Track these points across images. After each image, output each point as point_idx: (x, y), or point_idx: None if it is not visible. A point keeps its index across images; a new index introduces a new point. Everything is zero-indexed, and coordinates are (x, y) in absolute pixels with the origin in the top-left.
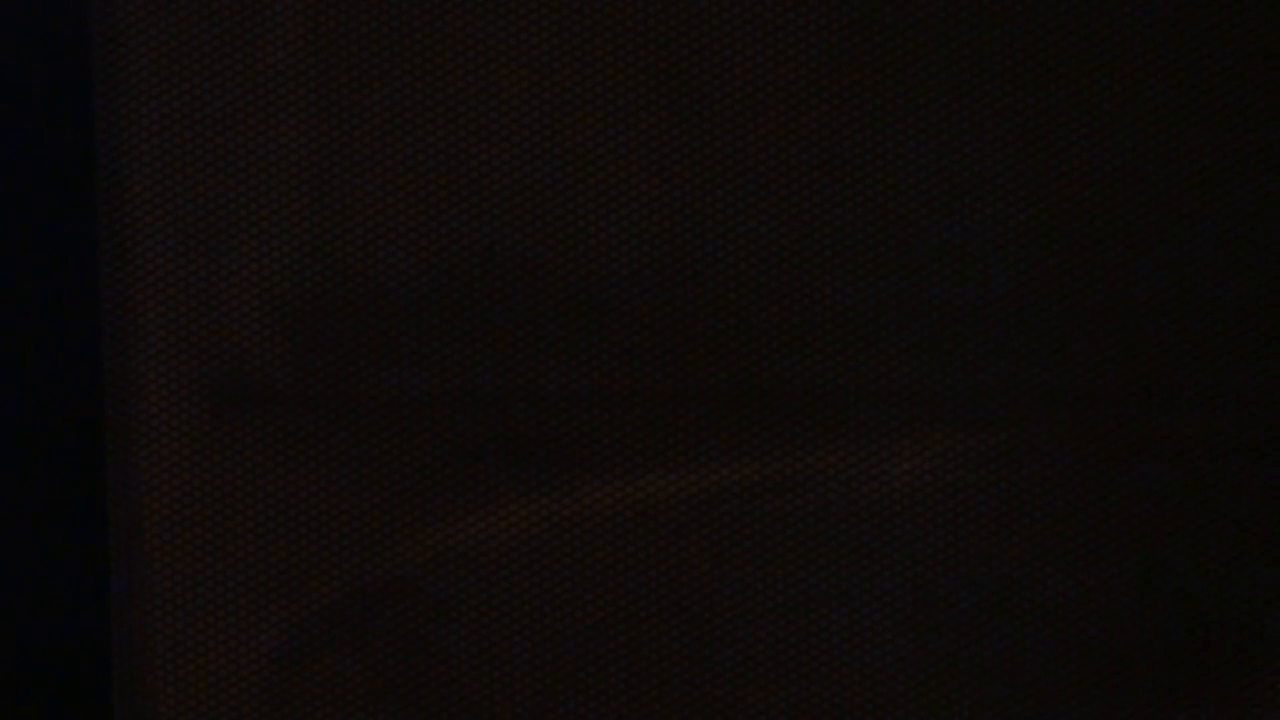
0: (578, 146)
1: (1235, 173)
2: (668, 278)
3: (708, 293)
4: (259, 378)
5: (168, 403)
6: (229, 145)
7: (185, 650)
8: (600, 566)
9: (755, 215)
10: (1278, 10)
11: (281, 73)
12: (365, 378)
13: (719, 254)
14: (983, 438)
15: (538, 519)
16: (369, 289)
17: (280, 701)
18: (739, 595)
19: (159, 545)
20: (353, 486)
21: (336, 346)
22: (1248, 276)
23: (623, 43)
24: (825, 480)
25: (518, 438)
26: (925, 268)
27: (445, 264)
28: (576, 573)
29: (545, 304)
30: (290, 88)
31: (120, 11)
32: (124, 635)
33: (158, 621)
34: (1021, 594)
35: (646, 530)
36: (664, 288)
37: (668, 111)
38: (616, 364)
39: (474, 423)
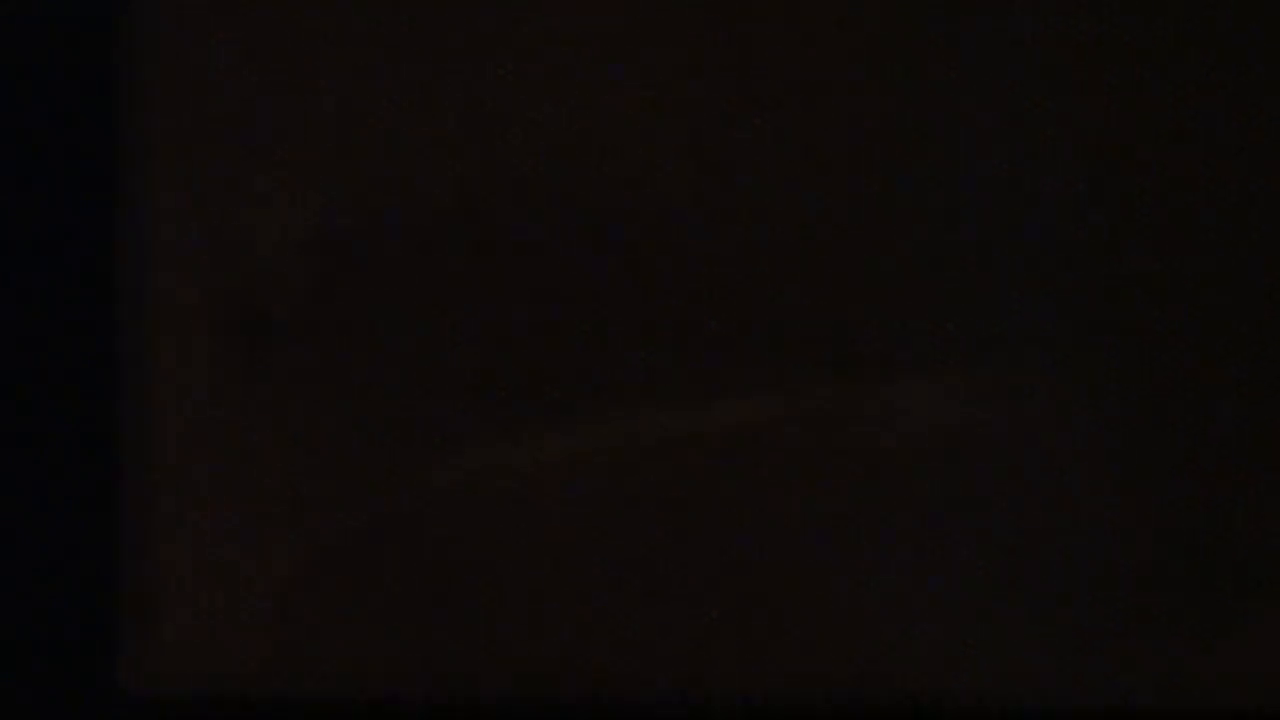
0: (617, 81)
1: None
2: (698, 217)
3: (735, 233)
4: (278, 308)
5: (183, 331)
6: (256, 72)
7: (194, 577)
8: (615, 502)
9: (785, 159)
10: None
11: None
12: (386, 310)
13: (749, 196)
14: (1008, 376)
15: (557, 452)
16: (393, 222)
17: (289, 627)
18: (756, 532)
19: (171, 472)
20: (368, 418)
21: (358, 278)
22: None
23: None
24: (842, 417)
25: (540, 372)
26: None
27: (473, 199)
28: (590, 508)
29: (573, 240)
30: (324, 14)
31: None
32: (133, 561)
33: (168, 546)
34: (1044, 529)
35: (663, 466)
36: (693, 227)
37: (705, 44)
38: (639, 301)
39: (496, 357)
